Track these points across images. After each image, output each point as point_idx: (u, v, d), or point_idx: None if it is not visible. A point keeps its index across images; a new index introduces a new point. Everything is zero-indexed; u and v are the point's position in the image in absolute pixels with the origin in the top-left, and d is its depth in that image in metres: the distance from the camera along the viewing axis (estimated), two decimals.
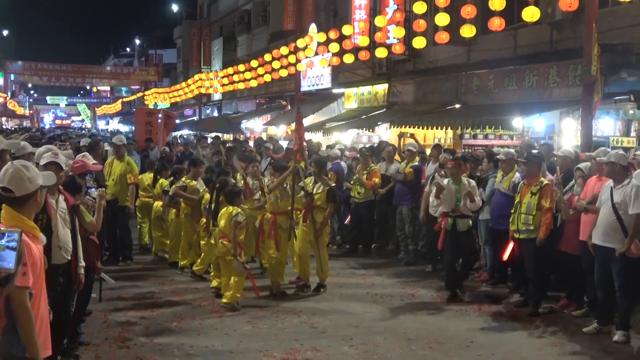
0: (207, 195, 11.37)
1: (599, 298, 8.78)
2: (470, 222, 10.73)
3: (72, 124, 78.18)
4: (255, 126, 36.97)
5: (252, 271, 10.27)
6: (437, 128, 19.51)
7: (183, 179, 11.95)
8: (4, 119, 66.18)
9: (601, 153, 9.50)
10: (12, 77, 61.45)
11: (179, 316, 9.24)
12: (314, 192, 10.76)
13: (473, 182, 10.82)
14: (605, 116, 16.44)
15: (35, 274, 4.51)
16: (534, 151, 11.64)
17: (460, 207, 10.41)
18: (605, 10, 15.02)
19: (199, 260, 11.39)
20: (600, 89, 13.86)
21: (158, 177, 13.41)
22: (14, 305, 4.34)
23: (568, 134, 16.50)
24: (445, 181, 10.61)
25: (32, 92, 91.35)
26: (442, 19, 19.28)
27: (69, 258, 6.59)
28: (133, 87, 71.03)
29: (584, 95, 13.69)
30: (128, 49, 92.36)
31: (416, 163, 12.85)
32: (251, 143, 24.04)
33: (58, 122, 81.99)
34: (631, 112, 16.35)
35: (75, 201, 6.94)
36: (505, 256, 10.23)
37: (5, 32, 70.71)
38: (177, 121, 41.64)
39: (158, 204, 13.10)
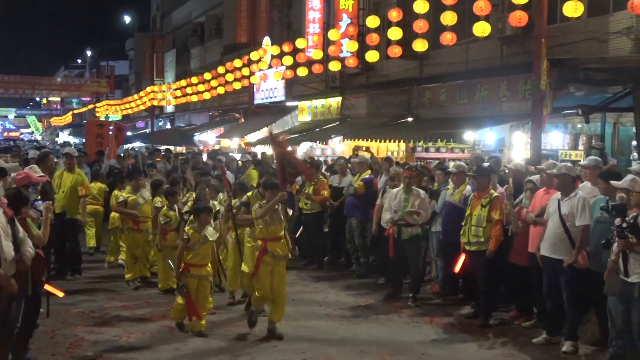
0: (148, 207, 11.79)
1: (547, 309, 8.88)
2: (418, 231, 10.81)
3: (21, 136, 76.30)
4: (209, 139, 36.72)
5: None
6: (389, 141, 19.67)
7: (123, 193, 12.25)
8: None
9: (550, 166, 9.63)
10: None
11: (128, 331, 9.05)
12: None
13: (423, 193, 10.97)
14: (554, 130, 16.67)
15: None
16: (485, 164, 11.75)
17: (406, 216, 10.58)
18: (554, 26, 15.25)
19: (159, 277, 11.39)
20: (549, 103, 14.06)
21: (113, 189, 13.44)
22: None
23: (518, 147, 16.69)
24: (395, 190, 10.75)
25: None
26: (395, 33, 19.45)
27: (14, 271, 6.42)
28: (84, 98, 70.20)
29: (534, 109, 13.87)
30: (79, 61, 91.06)
31: (367, 176, 12.83)
32: (204, 156, 23.84)
33: (6, 134, 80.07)
34: (579, 125, 16.61)
35: (12, 213, 6.74)
36: (457, 268, 10.24)
37: None
38: (129, 133, 41.48)
39: (114, 215, 12.95)
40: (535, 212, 9.02)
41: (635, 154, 13.83)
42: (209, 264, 9.10)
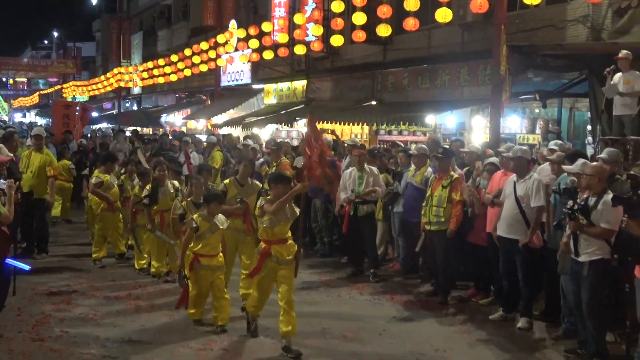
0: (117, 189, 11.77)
1: (504, 287, 9.07)
2: (373, 208, 11.07)
3: None
4: (175, 120, 36.51)
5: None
6: (353, 124, 19.73)
7: (96, 173, 12.11)
8: None
9: (507, 149, 9.81)
10: None
11: (94, 309, 9.04)
12: (247, 197, 9.10)
13: (376, 170, 11.16)
14: (512, 114, 16.90)
15: None
16: (445, 147, 11.90)
17: (364, 194, 10.76)
18: (514, 14, 15.40)
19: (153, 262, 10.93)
20: (508, 88, 14.23)
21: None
22: None
23: (477, 131, 16.88)
24: (349, 170, 10.96)
25: None
26: (359, 18, 19.45)
27: None
28: (51, 79, 69.08)
29: (493, 94, 14.01)
30: (46, 42, 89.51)
31: (329, 158, 12.88)
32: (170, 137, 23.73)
33: None
34: (537, 110, 16.87)
35: None
36: (418, 247, 10.36)
37: None
38: (96, 114, 41.01)
39: (94, 198, 12.42)
40: (493, 193, 9.17)
41: (589, 138, 14.08)
42: (220, 254, 8.31)
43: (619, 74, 12.08)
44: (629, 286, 7.07)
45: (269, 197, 7.71)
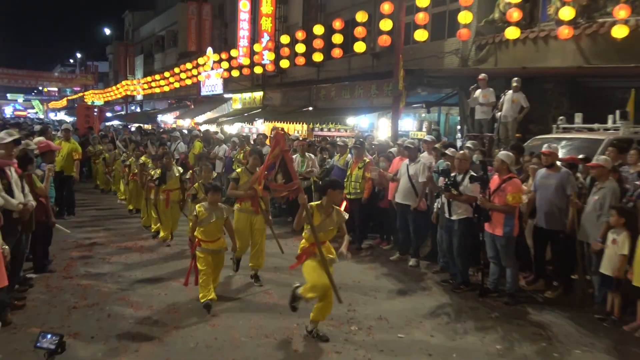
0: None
1: (400, 237, 9.21)
2: (310, 183, 11.11)
3: (28, 115, 71.96)
4: (168, 119, 36.06)
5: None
6: (296, 123, 19.84)
7: (143, 158, 11.33)
8: None
9: (404, 142, 9.92)
10: None
11: (110, 255, 8.87)
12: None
13: (312, 156, 11.27)
14: (406, 117, 17.11)
15: None
16: (361, 140, 11.99)
17: (305, 173, 10.96)
18: (408, 47, 15.57)
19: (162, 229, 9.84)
20: (404, 99, 14.39)
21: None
22: None
23: (383, 129, 17.04)
24: (294, 156, 11.02)
25: None
26: (300, 48, 19.49)
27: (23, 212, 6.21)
28: (75, 88, 66.87)
29: (393, 103, 14.19)
30: (71, 60, 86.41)
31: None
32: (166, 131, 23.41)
33: (17, 113, 75.61)
34: (423, 115, 17.14)
35: (22, 171, 6.54)
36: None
37: None
38: (109, 114, 40.19)
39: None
40: (393, 172, 9.29)
41: (459, 134, 14.38)
42: (221, 238, 6.68)
43: (479, 90, 12.38)
44: (482, 236, 7.31)
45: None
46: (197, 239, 6.57)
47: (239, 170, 7.67)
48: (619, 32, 12.13)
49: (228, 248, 6.84)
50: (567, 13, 12.60)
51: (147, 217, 10.82)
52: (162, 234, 9.81)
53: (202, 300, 6.41)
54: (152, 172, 10.10)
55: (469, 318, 6.47)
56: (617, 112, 9.99)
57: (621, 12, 12.04)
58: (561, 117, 11.01)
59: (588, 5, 13.19)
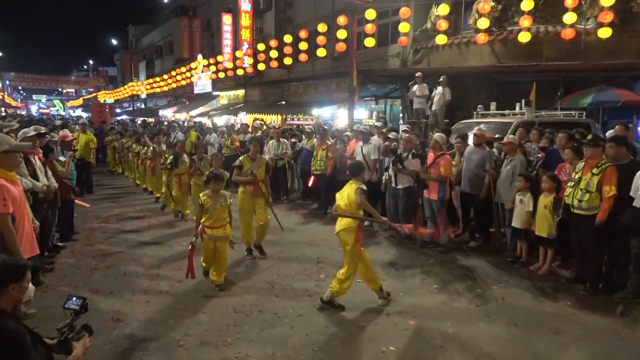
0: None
1: None
2: (284, 162, 10.85)
3: (51, 112, 69.23)
4: (167, 113, 35.13)
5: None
6: (272, 115, 19.53)
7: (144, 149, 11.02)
8: (2, 108, 58.12)
9: (359, 128, 9.87)
10: (7, 82, 54.91)
11: (123, 224, 8.61)
12: (255, 169, 6.74)
13: (286, 141, 11.06)
14: (360, 108, 17.09)
15: (15, 205, 4.04)
16: (325, 126, 11.90)
17: (280, 154, 10.74)
18: (360, 52, 15.47)
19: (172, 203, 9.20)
20: (357, 93, 14.36)
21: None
22: (0, 226, 3.90)
23: (341, 118, 16.95)
24: (271, 141, 10.78)
25: (21, 91, 79.70)
26: (274, 53, 19.17)
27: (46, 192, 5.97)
28: (90, 89, 64.66)
29: (350, 97, 14.13)
30: (85, 66, 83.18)
31: (260, 134, 12.61)
32: (165, 123, 22.81)
33: (41, 111, 72.63)
34: (373, 106, 17.11)
35: (45, 158, 6.31)
36: (310, 184, 10.34)
37: None
38: (119, 110, 39.00)
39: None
40: (349, 153, 9.25)
41: (401, 121, 14.44)
42: (227, 225, 5.68)
43: (416, 85, 12.38)
44: (422, 200, 7.36)
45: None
46: (202, 227, 5.56)
47: (242, 158, 6.83)
48: (524, 37, 12.25)
49: (234, 236, 5.77)
50: (483, 23, 12.66)
51: (165, 197, 9.78)
52: (173, 207, 9.16)
53: (203, 270, 5.84)
54: (165, 157, 9.40)
55: (412, 265, 6.52)
56: (523, 101, 10.14)
57: (525, 21, 12.14)
58: (480, 106, 11.13)
59: (499, 17, 13.27)
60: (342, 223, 4.98)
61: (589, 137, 5.89)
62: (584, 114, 9.84)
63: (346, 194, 5.02)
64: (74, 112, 68.52)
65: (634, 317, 4.87)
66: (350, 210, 4.94)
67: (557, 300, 5.29)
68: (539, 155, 6.89)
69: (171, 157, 9.19)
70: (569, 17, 11.40)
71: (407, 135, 7.85)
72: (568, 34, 11.62)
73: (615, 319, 4.84)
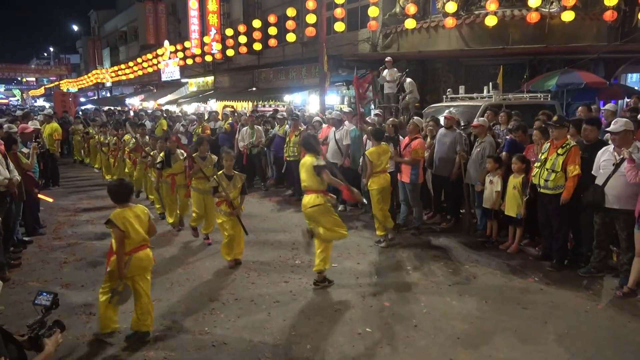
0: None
1: (330, 188, 9.12)
2: (259, 150, 10.77)
3: (10, 102, 66.32)
4: (134, 102, 34.16)
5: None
6: (243, 102, 19.31)
7: (127, 137, 9.67)
8: None
9: (331, 113, 9.84)
10: None
11: (92, 217, 8.40)
12: (230, 190, 6.01)
13: (261, 129, 10.91)
14: (331, 93, 17.01)
15: None
16: (296, 113, 11.81)
17: (255, 142, 10.65)
18: (330, 36, 15.39)
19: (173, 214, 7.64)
20: (328, 79, 14.28)
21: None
22: None
23: (313, 104, 16.88)
24: (244, 129, 10.67)
25: None
26: (243, 39, 18.89)
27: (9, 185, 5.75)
28: (51, 78, 62.19)
29: (320, 82, 14.06)
30: (45, 54, 79.75)
31: (230, 121, 12.42)
32: (131, 112, 22.25)
33: (0, 101, 69.56)
34: (344, 91, 17.06)
35: (7, 151, 6.06)
36: (282, 170, 10.30)
37: None
38: (83, 99, 37.72)
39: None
40: (322, 138, 9.20)
41: (372, 106, 14.48)
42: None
43: (386, 70, 12.40)
44: (402, 185, 7.39)
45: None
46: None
47: (217, 176, 5.83)
48: (490, 21, 12.41)
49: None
50: (451, 7, 12.73)
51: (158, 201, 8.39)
52: (169, 219, 7.58)
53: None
54: (152, 154, 7.91)
55: (386, 248, 6.60)
56: (490, 84, 10.29)
57: (492, 5, 12.28)
58: (449, 89, 11.25)
59: (467, 0, 13.37)
60: (309, 201, 5.18)
61: (555, 118, 6.04)
62: (549, 96, 10.07)
63: (304, 170, 5.22)
64: (35, 102, 65.88)
65: (597, 290, 5.08)
66: (314, 187, 5.21)
67: (526, 277, 5.46)
68: (507, 137, 7.02)
69: (162, 153, 7.34)
70: (534, 1, 11.59)
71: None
72: (533, 17, 11.83)
73: (581, 292, 5.04)
